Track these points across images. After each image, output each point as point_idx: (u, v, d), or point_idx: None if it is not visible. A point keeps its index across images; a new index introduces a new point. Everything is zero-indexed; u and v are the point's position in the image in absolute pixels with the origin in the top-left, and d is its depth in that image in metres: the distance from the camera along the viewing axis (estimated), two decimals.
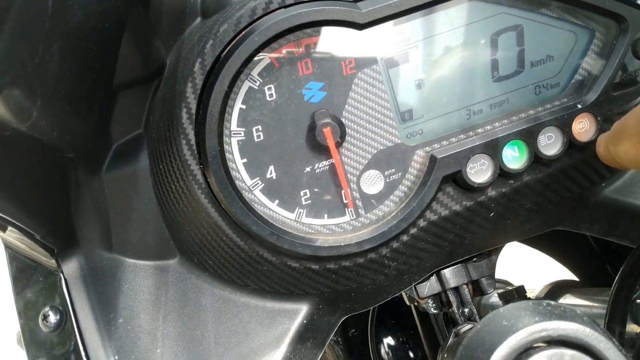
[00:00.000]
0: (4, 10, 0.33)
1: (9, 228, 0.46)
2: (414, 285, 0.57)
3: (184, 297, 0.53)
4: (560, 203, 0.55)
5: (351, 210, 0.50)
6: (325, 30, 0.47)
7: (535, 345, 0.33)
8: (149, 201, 0.53)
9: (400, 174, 0.50)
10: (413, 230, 0.50)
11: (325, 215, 0.50)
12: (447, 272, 0.57)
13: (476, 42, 0.50)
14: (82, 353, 0.50)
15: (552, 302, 0.36)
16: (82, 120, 0.47)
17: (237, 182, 0.48)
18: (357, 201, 0.50)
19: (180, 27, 0.52)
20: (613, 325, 0.53)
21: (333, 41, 0.48)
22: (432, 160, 0.49)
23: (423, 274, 0.56)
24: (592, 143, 0.50)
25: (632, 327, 0.53)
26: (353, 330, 0.85)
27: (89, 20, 0.42)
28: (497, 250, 0.60)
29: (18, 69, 0.35)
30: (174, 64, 0.51)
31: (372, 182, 0.50)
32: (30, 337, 0.52)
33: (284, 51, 0.47)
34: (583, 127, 0.50)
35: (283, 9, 0.45)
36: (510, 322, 0.35)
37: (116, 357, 0.50)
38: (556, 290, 0.74)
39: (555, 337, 0.32)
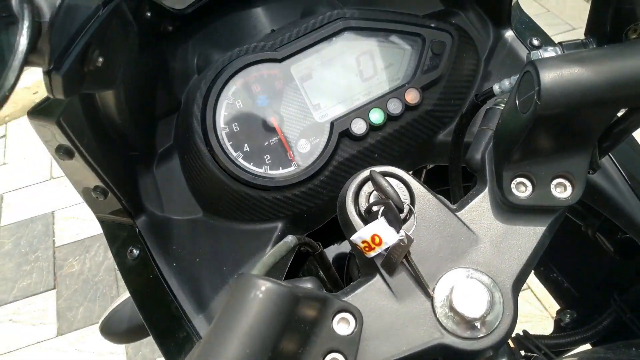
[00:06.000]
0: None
1: (109, 195, 0.85)
2: None
3: (208, 233, 0.91)
4: (418, 147, 0.94)
5: (294, 163, 0.89)
6: (262, 65, 0.88)
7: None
8: (180, 181, 0.92)
9: (318, 139, 0.90)
10: (331, 168, 0.89)
11: (280, 168, 0.89)
12: None
13: (349, 61, 0.91)
14: (156, 269, 0.87)
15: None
16: (142, 136, 0.88)
17: (229, 155, 0.87)
18: (296, 157, 0.89)
19: (187, 80, 0.94)
20: None
21: (268, 71, 0.89)
22: (332, 125, 0.88)
23: None
24: (419, 105, 0.90)
25: None
26: None
27: (141, 82, 0.84)
28: None
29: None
30: (185, 101, 0.92)
31: (304, 146, 0.89)
32: (122, 266, 0.89)
33: (243, 80, 0.88)
34: (412, 96, 0.90)
35: (237, 59, 0.87)
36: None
37: (174, 264, 0.87)
38: None
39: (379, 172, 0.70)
